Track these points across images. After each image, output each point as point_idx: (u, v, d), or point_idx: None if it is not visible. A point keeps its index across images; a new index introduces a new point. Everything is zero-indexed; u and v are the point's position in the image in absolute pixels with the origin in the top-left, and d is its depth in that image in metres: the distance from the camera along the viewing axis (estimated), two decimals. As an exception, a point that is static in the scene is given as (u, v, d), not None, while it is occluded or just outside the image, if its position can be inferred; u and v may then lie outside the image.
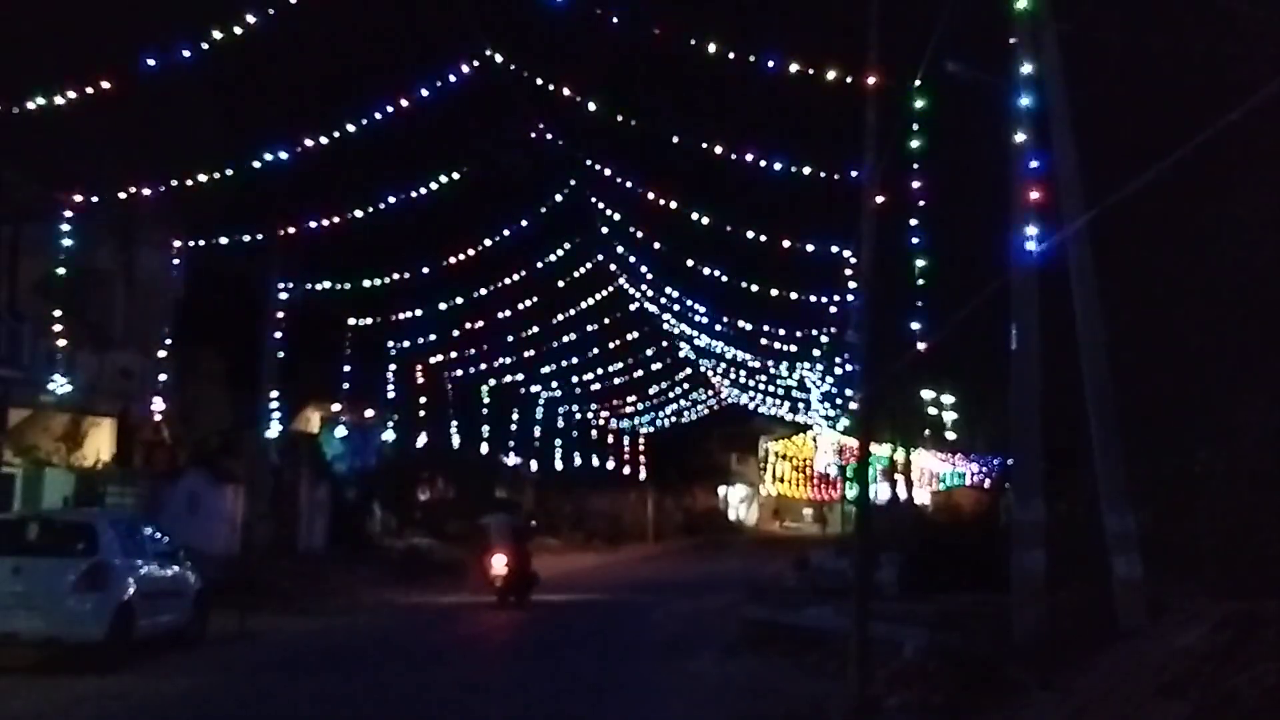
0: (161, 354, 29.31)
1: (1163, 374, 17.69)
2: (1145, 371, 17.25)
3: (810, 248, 26.68)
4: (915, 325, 17.45)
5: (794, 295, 31.79)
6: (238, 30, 18.54)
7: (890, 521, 31.30)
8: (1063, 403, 15.37)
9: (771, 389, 56.05)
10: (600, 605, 27.50)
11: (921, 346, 17.24)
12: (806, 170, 21.30)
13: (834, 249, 26.00)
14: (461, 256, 31.28)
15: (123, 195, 24.74)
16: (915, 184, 16.90)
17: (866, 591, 13.91)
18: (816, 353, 40.93)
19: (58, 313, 25.62)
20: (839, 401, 47.79)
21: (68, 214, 25.24)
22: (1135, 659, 12.20)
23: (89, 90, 19.60)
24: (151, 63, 19.02)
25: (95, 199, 25.14)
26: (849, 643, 13.96)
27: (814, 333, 37.55)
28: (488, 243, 30.99)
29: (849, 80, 15.73)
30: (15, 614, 15.51)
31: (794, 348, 40.87)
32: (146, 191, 24.61)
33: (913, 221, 17.42)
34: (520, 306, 36.71)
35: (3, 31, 22.65)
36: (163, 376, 29.23)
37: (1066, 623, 14.72)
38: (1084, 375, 14.55)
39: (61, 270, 25.48)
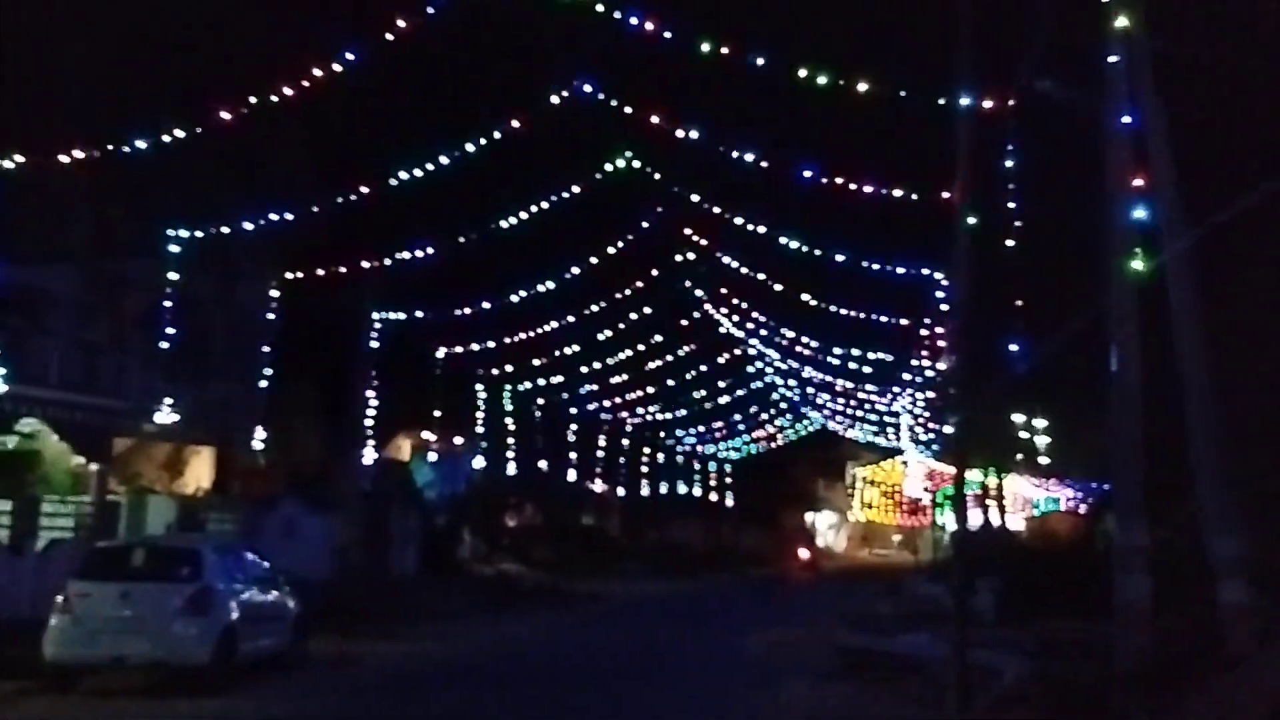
0: (260, 384, 29.93)
1: (1266, 393, 17.30)
2: (1248, 391, 16.88)
3: (901, 270, 26.52)
4: (1013, 347, 17.20)
5: (884, 319, 31.61)
6: (336, 68, 19.00)
7: (985, 548, 30.83)
8: (1163, 424, 15.09)
9: (860, 414, 55.69)
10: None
11: (1019, 370, 17.02)
12: (897, 193, 21.18)
13: (925, 272, 25.83)
14: (550, 285, 31.59)
15: (224, 230, 25.41)
16: (1010, 204, 16.73)
17: (965, 617, 13.74)
18: (907, 377, 40.61)
19: (165, 345, 26.33)
20: (930, 426, 47.33)
21: (171, 249, 26.01)
22: (1244, 687, 11.92)
23: (194, 130, 20.18)
24: (252, 100, 19.56)
25: (197, 234, 25.86)
26: (947, 670, 13.81)
27: (905, 357, 37.27)
28: (575, 270, 31.30)
29: (941, 102, 15.66)
30: (124, 638, 15.79)
31: (884, 372, 40.59)
32: (248, 225, 25.26)
33: (1009, 242, 17.23)
34: (607, 333, 36.95)
35: (106, 74, 23.42)
36: (261, 406, 29.84)
37: (1172, 650, 14.41)
38: (1185, 395, 14.29)
39: (165, 304, 26.24)
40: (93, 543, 20.65)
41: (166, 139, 20.51)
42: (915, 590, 26.57)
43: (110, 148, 20.44)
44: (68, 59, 22.75)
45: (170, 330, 26.47)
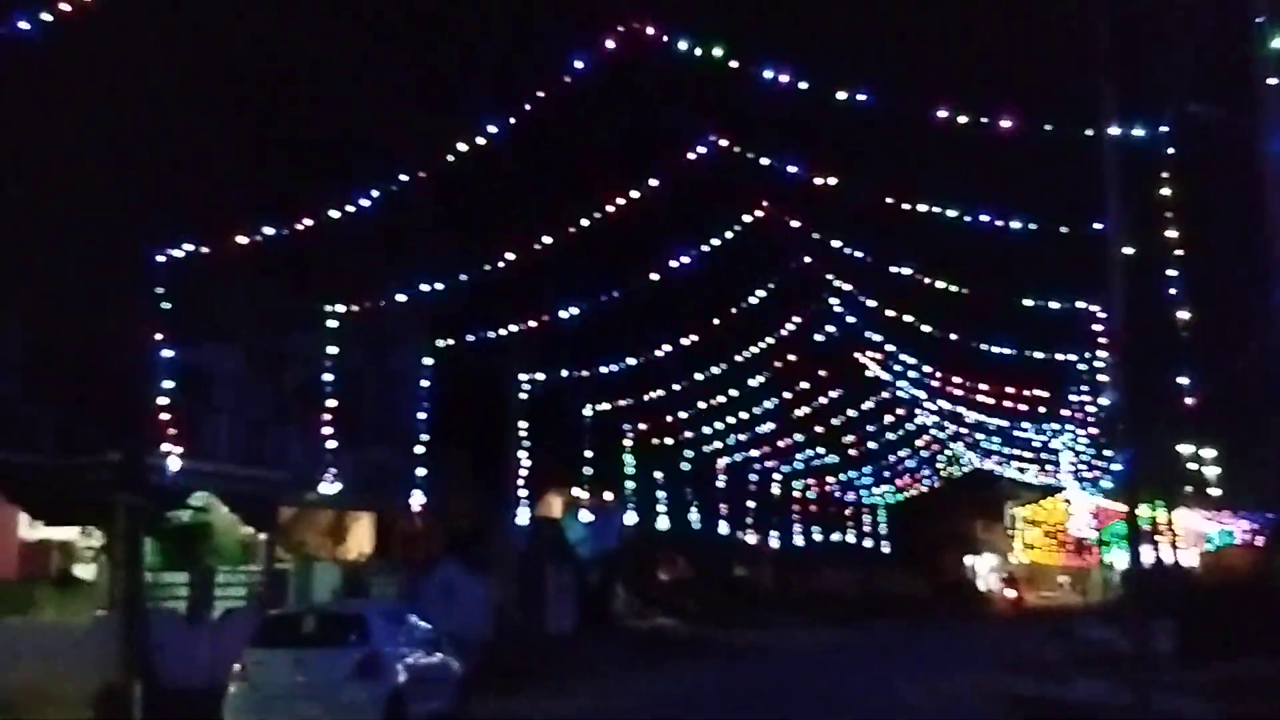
0: (418, 449, 30.55)
1: None
2: None
3: (1055, 305, 25.89)
4: (1184, 380, 16.53)
5: (1038, 355, 30.86)
6: (480, 140, 19.52)
7: (1158, 586, 29.64)
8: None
9: (1017, 452, 54.33)
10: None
11: (1190, 401, 16.38)
12: (1044, 226, 20.70)
13: (1079, 304, 25.16)
14: (694, 338, 31.71)
15: (378, 301, 26.17)
16: (1171, 233, 16.16)
17: (1145, 661, 13.21)
18: (1066, 413, 39.51)
19: (325, 416, 27.12)
20: (1094, 462, 45.89)
21: (330, 323, 26.88)
22: None
23: (346, 208, 20.91)
24: (404, 178, 20.22)
25: (351, 307, 26.69)
26: (1128, 717, 13.28)
27: (1062, 393, 36.30)
28: (718, 321, 31.37)
29: (1089, 132, 15.26)
30: (298, 704, 16.14)
31: (1042, 409, 39.58)
32: (402, 297, 25.97)
33: (1170, 272, 16.64)
34: (754, 382, 36.88)
35: (264, 163, 24.44)
36: (421, 471, 30.40)
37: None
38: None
39: (326, 376, 27.08)
40: (264, 611, 21.27)
41: (326, 220, 21.27)
42: (1086, 633, 25.67)
43: (270, 231, 21.25)
44: (221, 144, 23.79)
45: (329, 401, 27.23)
